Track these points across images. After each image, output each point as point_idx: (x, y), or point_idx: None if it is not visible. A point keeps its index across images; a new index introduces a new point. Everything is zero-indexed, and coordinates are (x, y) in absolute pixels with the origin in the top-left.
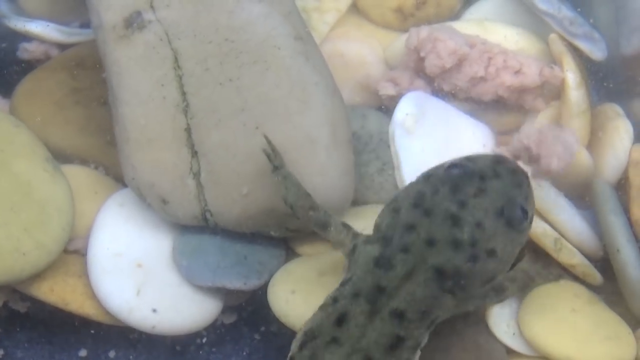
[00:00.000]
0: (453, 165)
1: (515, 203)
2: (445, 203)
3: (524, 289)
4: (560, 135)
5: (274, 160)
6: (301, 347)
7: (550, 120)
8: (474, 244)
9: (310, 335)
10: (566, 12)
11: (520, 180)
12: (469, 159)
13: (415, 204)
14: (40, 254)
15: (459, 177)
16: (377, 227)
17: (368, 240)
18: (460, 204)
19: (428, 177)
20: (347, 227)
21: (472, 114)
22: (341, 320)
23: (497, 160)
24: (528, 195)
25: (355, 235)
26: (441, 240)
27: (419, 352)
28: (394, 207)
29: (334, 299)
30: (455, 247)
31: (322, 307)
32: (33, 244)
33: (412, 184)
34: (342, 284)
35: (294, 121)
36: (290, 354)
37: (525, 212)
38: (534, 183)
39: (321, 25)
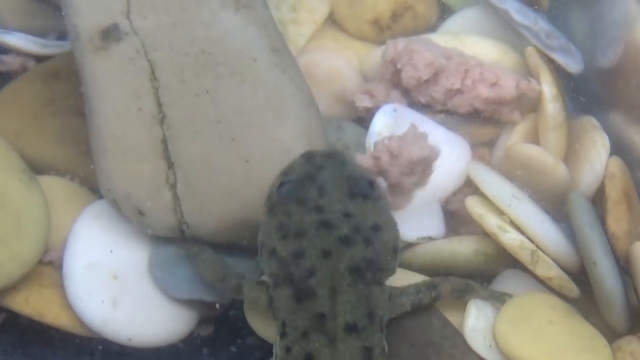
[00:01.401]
0: (279, 185)
1: (355, 179)
2: (305, 216)
3: (461, 292)
4: (419, 133)
5: (193, 250)
6: None
7: (526, 133)
8: (357, 230)
9: None
10: (543, 25)
11: (340, 159)
12: (286, 172)
13: (284, 236)
14: (15, 265)
15: (294, 189)
16: (272, 278)
17: (275, 285)
18: (318, 209)
19: (272, 209)
20: (260, 282)
21: (449, 126)
22: None
23: (308, 157)
24: (354, 164)
25: (268, 286)
26: (332, 246)
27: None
28: (268, 251)
29: (287, 349)
30: (348, 244)
31: (280, 358)
32: (8, 254)
33: (263, 226)
34: (282, 336)
35: (270, 133)
36: None
37: (368, 180)
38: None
39: (298, 37)
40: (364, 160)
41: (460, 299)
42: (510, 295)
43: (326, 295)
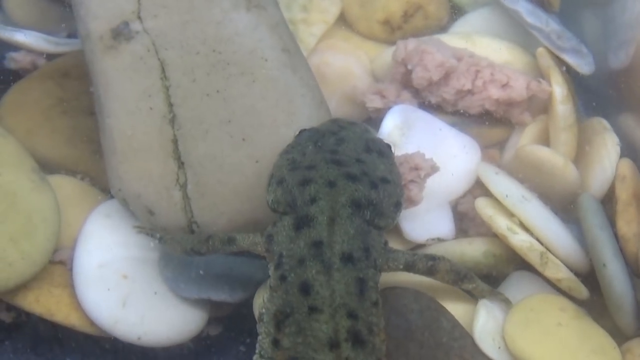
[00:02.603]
0: (301, 131)
1: (375, 139)
2: (320, 154)
3: (459, 277)
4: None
5: (156, 235)
6: (278, 326)
7: (537, 134)
8: (366, 174)
9: (283, 313)
10: (554, 26)
11: (364, 127)
12: (307, 128)
13: (294, 167)
14: (25, 264)
15: (314, 134)
16: (276, 204)
17: (275, 220)
18: (332, 152)
19: (289, 149)
20: (254, 231)
21: (459, 126)
22: (306, 290)
23: (333, 121)
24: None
25: (263, 231)
26: (339, 178)
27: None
28: (277, 181)
29: (281, 278)
30: (354, 180)
31: (274, 288)
32: (19, 254)
33: (276, 162)
34: (277, 266)
35: (280, 133)
36: (269, 338)
37: (384, 141)
38: None
39: (308, 37)
40: None
41: (457, 286)
42: (510, 302)
43: (325, 223)
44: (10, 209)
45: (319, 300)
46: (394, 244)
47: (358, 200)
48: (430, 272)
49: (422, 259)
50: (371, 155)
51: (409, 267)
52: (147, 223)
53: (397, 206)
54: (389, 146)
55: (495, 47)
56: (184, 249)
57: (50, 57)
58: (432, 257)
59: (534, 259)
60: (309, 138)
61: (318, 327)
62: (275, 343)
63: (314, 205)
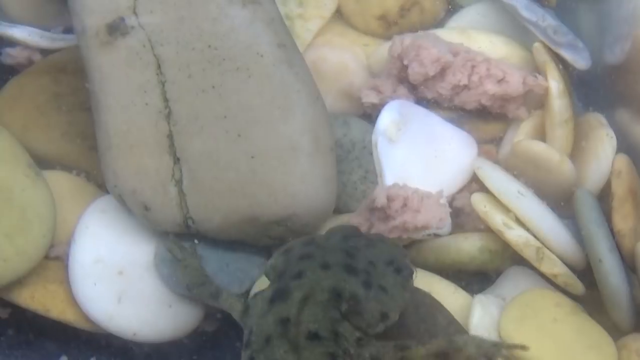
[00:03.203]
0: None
1: (403, 256)
2: (339, 244)
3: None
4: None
5: (179, 255)
6: None
7: (533, 129)
8: (367, 273)
9: None
10: (550, 21)
11: (395, 244)
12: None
13: (308, 243)
14: (21, 260)
15: (346, 232)
16: (271, 269)
17: (261, 291)
18: (354, 248)
19: (315, 236)
20: (239, 295)
21: (455, 122)
22: None
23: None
24: (405, 255)
25: (247, 297)
26: (336, 265)
27: None
28: (285, 249)
29: (249, 354)
30: (350, 272)
31: None
32: (14, 250)
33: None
34: (246, 345)
35: (276, 129)
36: None
37: (410, 268)
38: None
39: (304, 32)
40: (378, 198)
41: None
42: (502, 346)
43: (298, 299)
44: (5, 204)
45: None
46: None
47: (341, 290)
48: None
49: (391, 352)
50: (387, 268)
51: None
52: (142, 218)
53: (383, 317)
54: (411, 272)
55: (491, 42)
56: (184, 279)
57: (46, 52)
58: (404, 346)
59: (529, 254)
60: (336, 236)
61: None
62: None
63: (297, 281)
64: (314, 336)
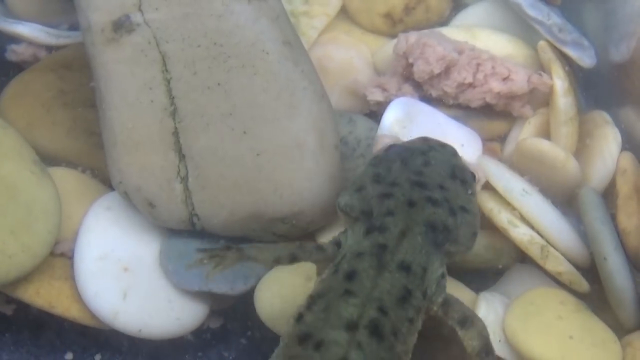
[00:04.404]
0: (391, 146)
1: (461, 166)
2: (405, 174)
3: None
4: None
5: (232, 256)
6: (309, 306)
7: (538, 127)
8: (447, 200)
9: (319, 294)
10: (555, 19)
11: (453, 150)
12: (396, 143)
13: (377, 180)
14: (26, 256)
15: (403, 151)
16: (349, 206)
17: (347, 227)
18: (418, 173)
19: (376, 162)
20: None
21: (460, 120)
22: (351, 276)
23: (424, 139)
24: (464, 161)
25: (341, 232)
26: (419, 200)
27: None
28: (357, 188)
29: (335, 270)
30: (434, 204)
31: (321, 280)
32: (19, 246)
33: (362, 171)
34: (336, 264)
35: (281, 126)
36: (295, 316)
37: (471, 173)
38: None
39: (310, 30)
40: None
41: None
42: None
43: (396, 233)
44: (11, 201)
45: (358, 286)
46: None
47: (434, 222)
48: (463, 323)
49: (461, 309)
50: (454, 183)
51: (446, 307)
52: (147, 215)
53: (474, 236)
54: (473, 176)
55: (497, 40)
56: (267, 261)
57: (51, 49)
58: (472, 315)
59: (534, 252)
60: (397, 155)
61: (345, 307)
62: (299, 318)
63: (390, 218)
64: (405, 267)
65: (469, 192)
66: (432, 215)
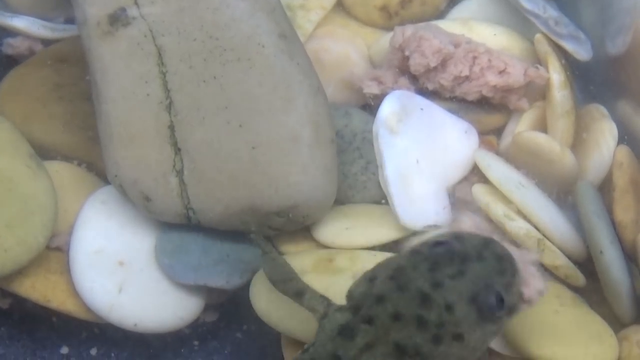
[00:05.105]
0: (439, 242)
1: (491, 290)
2: (420, 281)
3: None
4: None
5: (265, 247)
6: None
7: (534, 120)
8: (440, 325)
9: None
10: (551, 12)
11: (504, 268)
12: (458, 237)
13: (392, 277)
14: (21, 250)
15: (440, 255)
16: (350, 295)
17: (340, 308)
18: (435, 285)
19: (412, 252)
20: (323, 296)
21: (457, 113)
22: None
23: (485, 243)
24: (510, 284)
25: (330, 304)
26: (407, 316)
27: None
28: (370, 277)
29: (307, 349)
30: (420, 326)
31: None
32: (14, 240)
33: (395, 257)
34: (304, 351)
35: (277, 119)
36: None
37: (501, 302)
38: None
39: (306, 23)
40: None
41: None
42: None
43: (359, 346)
44: (6, 194)
45: None
46: (389, 231)
47: (405, 346)
48: None
49: None
50: (469, 307)
51: None
52: (143, 209)
53: None
54: (500, 304)
55: (493, 33)
56: (270, 274)
57: (47, 42)
58: None
59: (530, 245)
60: (434, 255)
61: None
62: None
63: (366, 325)
64: None
65: (481, 321)
66: (408, 338)
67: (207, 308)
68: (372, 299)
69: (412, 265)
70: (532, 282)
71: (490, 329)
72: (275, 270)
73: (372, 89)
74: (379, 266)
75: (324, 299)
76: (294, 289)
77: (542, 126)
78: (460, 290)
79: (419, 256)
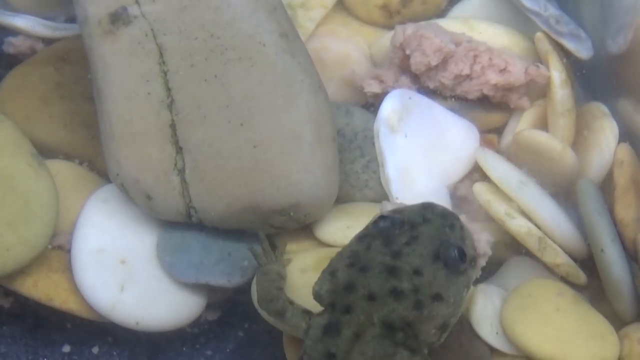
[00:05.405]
0: (380, 218)
1: (449, 244)
2: (379, 256)
3: None
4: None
5: (261, 260)
6: None
7: (535, 119)
8: (416, 290)
9: None
10: (552, 11)
11: (451, 222)
12: (397, 210)
13: (350, 264)
14: (23, 249)
15: (388, 228)
16: (319, 296)
17: (318, 313)
18: (395, 254)
19: (360, 237)
20: (305, 311)
21: (457, 111)
22: None
23: (424, 207)
24: (463, 235)
25: (308, 317)
26: (381, 293)
27: None
28: (330, 271)
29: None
30: (397, 297)
31: None
32: (16, 239)
33: (345, 246)
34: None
35: (278, 118)
36: None
37: (462, 252)
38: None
39: (307, 22)
40: None
41: None
42: None
43: (347, 337)
44: (8, 193)
45: None
46: None
47: (392, 321)
48: None
49: None
50: (435, 266)
51: None
52: (144, 207)
53: (443, 327)
54: (462, 255)
55: (494, 32)
56: (258, 291)
57: (49, 41)
58: None
59: (532, 244)
60: (383, 229)
61: None
62: None
63: (347, 315)
64: None
65: (451, 275)
66: (391, 312)
67: (208, 306)
68: (342, 289)
69: (365, 246)
70: (480, 236)
71: (461, 281)
72: (262, 287)
73: (373, 87)
74: (333, 260)
75: (306, 314)
76: (275, 308)
77: (543, 125)
78: (420, 253)
79: (367, 237)
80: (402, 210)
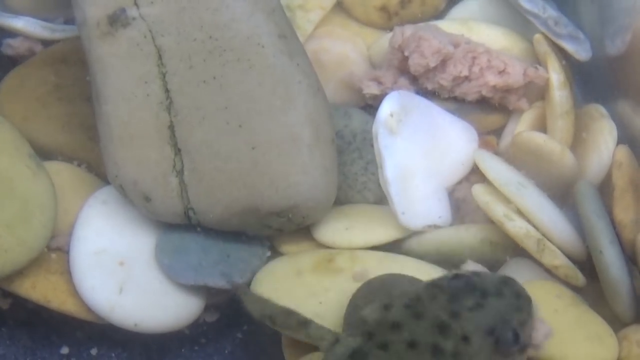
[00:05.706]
0: (458, 275)
1: (509, 325)
2: (438, 310)
3: None
4: None
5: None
6: None
7: (534, 120)
8: (455, 355)
9: None
10: (551, 12)
11: (521, 305)
12: (476, 273)
13: (408, 305)
14: (22, 250)
15: (459, 288)
16: (363, 321)
17: (352, 333)
18: (453, 314)
19: (430, 284)
20: (329, 329)
21: (456, 113)
22: None
23: (504, 281)
24: (525, 322)
25: (336, 333)
26: (423, 344)
27: None
28: (386, 304)
29: None
30: (435, 354)
31: None
32: (15, 240)
33: (412, 288)
34: None
35: (277, 119)
36: None
37: (517, 337)
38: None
39: (305, 23)
40: None
41: None
42: None
43: None
44: (6, 195)
45: None
46: (389, 231)
47: None
48: None
49: None
50: (485, 340)
51: None
52: (143, 209)
53: None
54: (515, 339)
55: (492, 34)
56: (266, 315)
57: (47, 43)
58: None
59: (530, 245)
60: (454, 287)
61: None
62: None
63: (381, 351)
64: None
65: (501, 353)
66: None
67: (207, 308)
68: (387, 325)
69: (430, 295)
70: (542, 327)
71: None
72: (270, 305)
73: (371, 89)
74: (396, 295)
75: (330, 330)
76: (296, 320)
77: (542, 126)
78: (479, 322)
79: (437, 288)
80: (480, 275)
